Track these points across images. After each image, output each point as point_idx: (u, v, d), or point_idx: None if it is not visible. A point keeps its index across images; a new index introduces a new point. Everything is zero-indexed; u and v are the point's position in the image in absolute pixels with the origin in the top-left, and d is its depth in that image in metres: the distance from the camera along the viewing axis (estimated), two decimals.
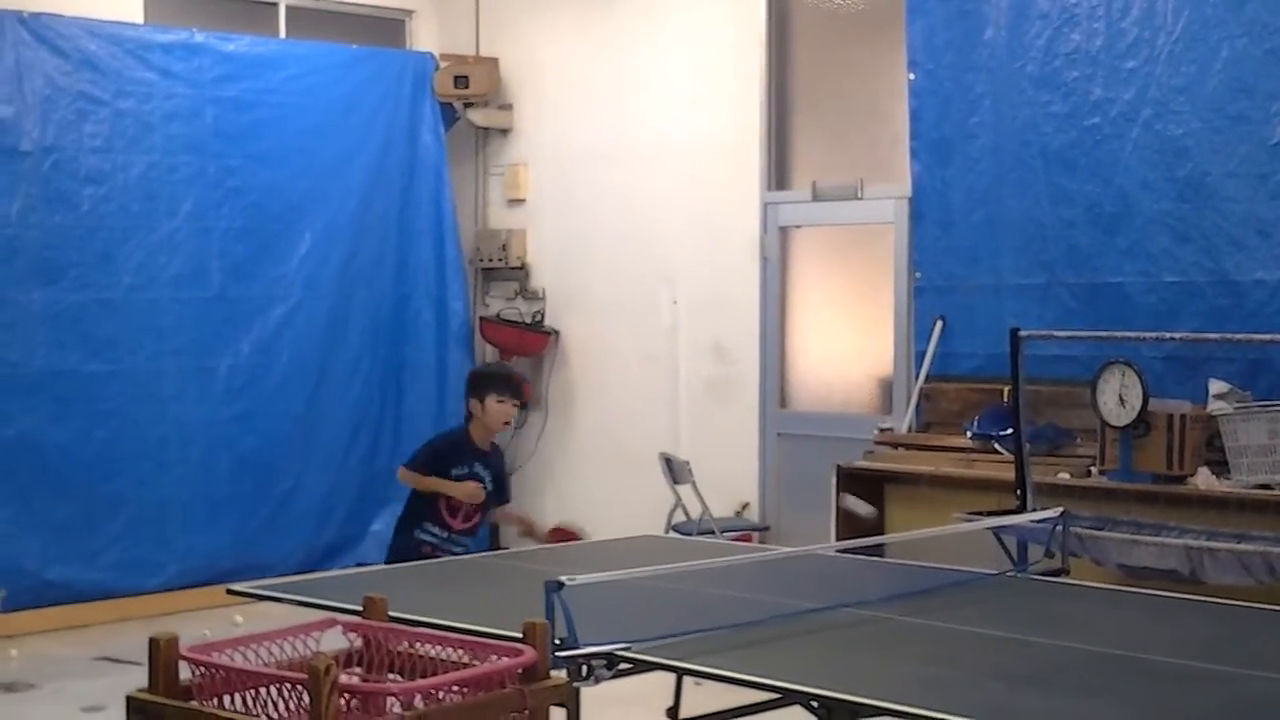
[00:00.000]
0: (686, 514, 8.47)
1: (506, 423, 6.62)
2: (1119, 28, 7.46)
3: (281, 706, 3.27)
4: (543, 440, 10.08)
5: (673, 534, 8.15)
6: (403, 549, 6.28)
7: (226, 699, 3.36)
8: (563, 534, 6.80)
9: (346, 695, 3.28)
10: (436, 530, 6.31)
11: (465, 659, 3.56)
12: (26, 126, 8.42)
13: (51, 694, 7.17)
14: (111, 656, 7.51)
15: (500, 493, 6.62)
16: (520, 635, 3.55)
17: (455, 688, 3.36)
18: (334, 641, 3.77)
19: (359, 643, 3.72)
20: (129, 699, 3.46)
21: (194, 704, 3.39)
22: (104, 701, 6.59)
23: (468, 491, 6.31)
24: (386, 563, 6.36)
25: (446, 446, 6.51)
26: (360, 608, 3.87)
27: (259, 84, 9.27)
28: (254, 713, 3.31)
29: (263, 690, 3.30)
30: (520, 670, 3.46)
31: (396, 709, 3.24)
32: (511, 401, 6.57)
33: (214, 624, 7.05)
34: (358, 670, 3.70)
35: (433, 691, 3.34)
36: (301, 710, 3.20)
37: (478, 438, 6.48)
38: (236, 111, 9.19)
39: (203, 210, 9.06)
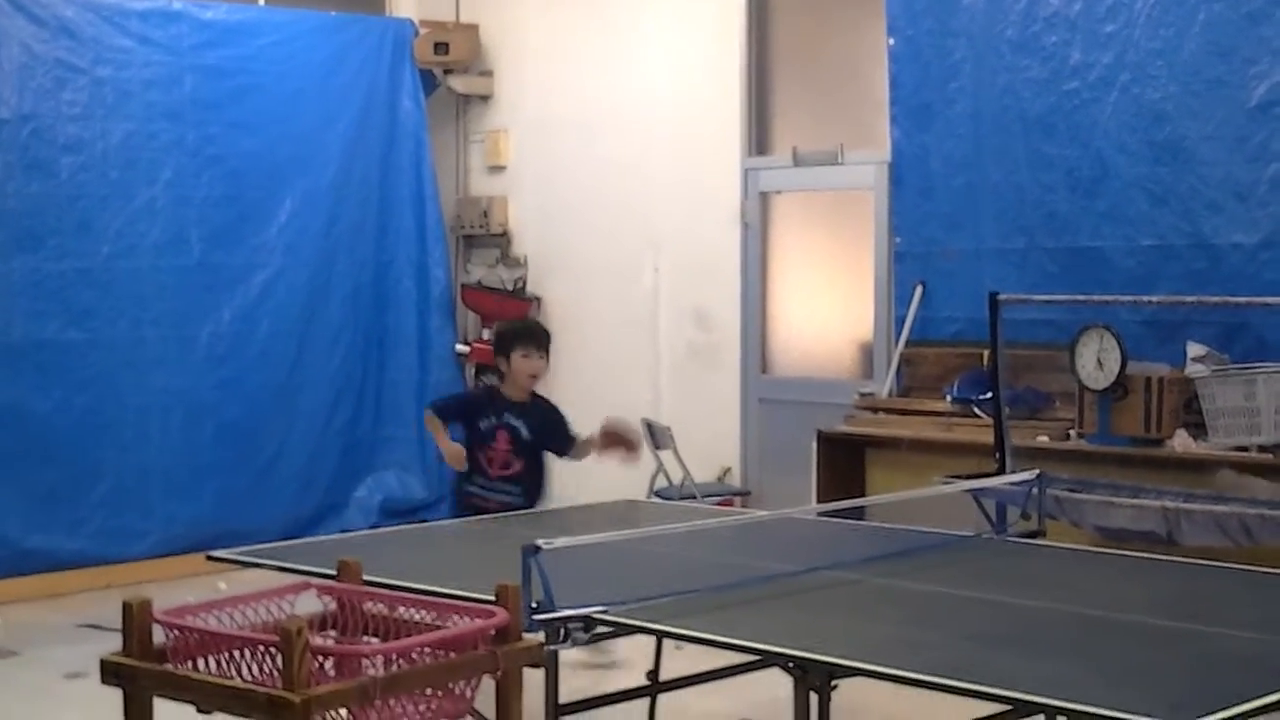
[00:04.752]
0: (668, 479, 8.48)
1: (534, 376, 6.43)
2: None
3: (255, 669, 3.28)
4: None
5: (654, 499, 8.16)
6: (459, 503, 6.35)
7: (200, 661, 3.37)
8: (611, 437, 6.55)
9: (320, 657, 3.29)
10: (481, 480, 6.31)
11: (438, 621, 3.57)
12: (4, 94, 8.38)
13: (34, 661, 7.17)
14: (94, 624, 7.50)
15: (553, 439, 6.45)
16: (494, 598, 3.56)
17: (428, 649, 3.37)
18: (309, 605, 3.78)
19: (333, 606, 3.73)
20: (103, 662, 3.47)
21: (168, 667, 3.40)
22: (86, 669, 6.54)
23: (451, 453, 6.26)
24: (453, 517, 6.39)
25: (477, 397, 6.53)
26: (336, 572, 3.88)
27: (238, 51, 9.23)
28: (227, 675, 3.32)
29: (236, 653, 3.31)
30: (493, 632, 3.47)
31: (370, 670, 3.26)
32: (537, 354, 6.43)
33: (197, 591, 7.04)
34: (333, 633, 3.71)
35: (405, 653, 3.35)
36: (274, 672, 3.21)
37: (510, 393, 6.40)
38: (215, 79, 9.14)
39: (182, 178, 9.02)
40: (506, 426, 6.33)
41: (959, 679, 3.54)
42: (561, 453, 6.48)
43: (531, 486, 6.40)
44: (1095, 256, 7.51)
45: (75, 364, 8.63)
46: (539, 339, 6.54)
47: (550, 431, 6.44)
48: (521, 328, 6.87)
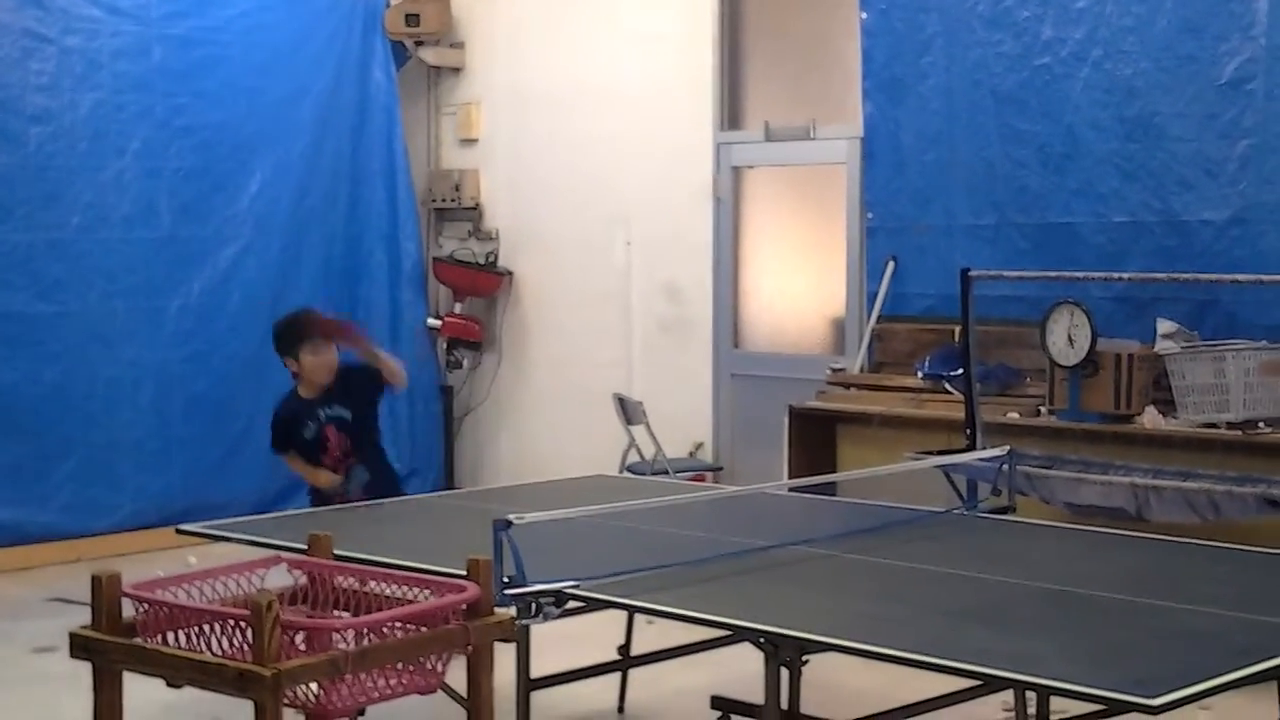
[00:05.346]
0: (640, 454, 8.49)
1: (329, 369, 6.07)
2: None
3: (225, 643, 3.28)
4: (496, 381, 10.07)
5: (627, 474, 8.16)
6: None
7: (170, 636, 3.36)
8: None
9: (291, 631, 3.28)
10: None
11: (409, 595, 3.56)
12: None
13: (2, 636, 7.14)
14: (63, 597, 7.47)
15: (370, 393, 6.21)
16: (465, 573, 3.56)
17: (398, 624, 3.37)
18: (280, 579, 3.78)
19: (304, 580, 3.73)
20: (72, 636, 3.46)
21: (138, 641, 3.39)
22: (56, 642, 6.55)
23: (323, 481, 6.07)
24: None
25: (287, 416, 6.16)
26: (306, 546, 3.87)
27: (207, 21, 9.16)
28: (197, 649, 3.31)
29: (206, 627, 3.30)
30: (464, 607, 3.47)
31: (341, 645, 3.25)
32: (324, 347, 6.08)
33: (167, 564, 7.03)
34: (303, 608, 3.71)
35: (376, 627, 3.35)
36: (245, 646, 3.21)
37: (308, 391, 6.14)
38: (184, 49, 9.08)
39: (151, 149, 8.96)
40: (330, 421, 6.11)
41: (929, 654, 3.56)
42: (380, 393, 6.25)
43: (373, 457, 6.24)
44: (1066, 232, 7.53)
45: (44, 336, 8.58)
46: (320, 329, 6.18)
47: (363, 391, 6.19)
48: (299, 325, 6.25)
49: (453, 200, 10.14)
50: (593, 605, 4.23)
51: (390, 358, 6.29)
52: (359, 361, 6.21)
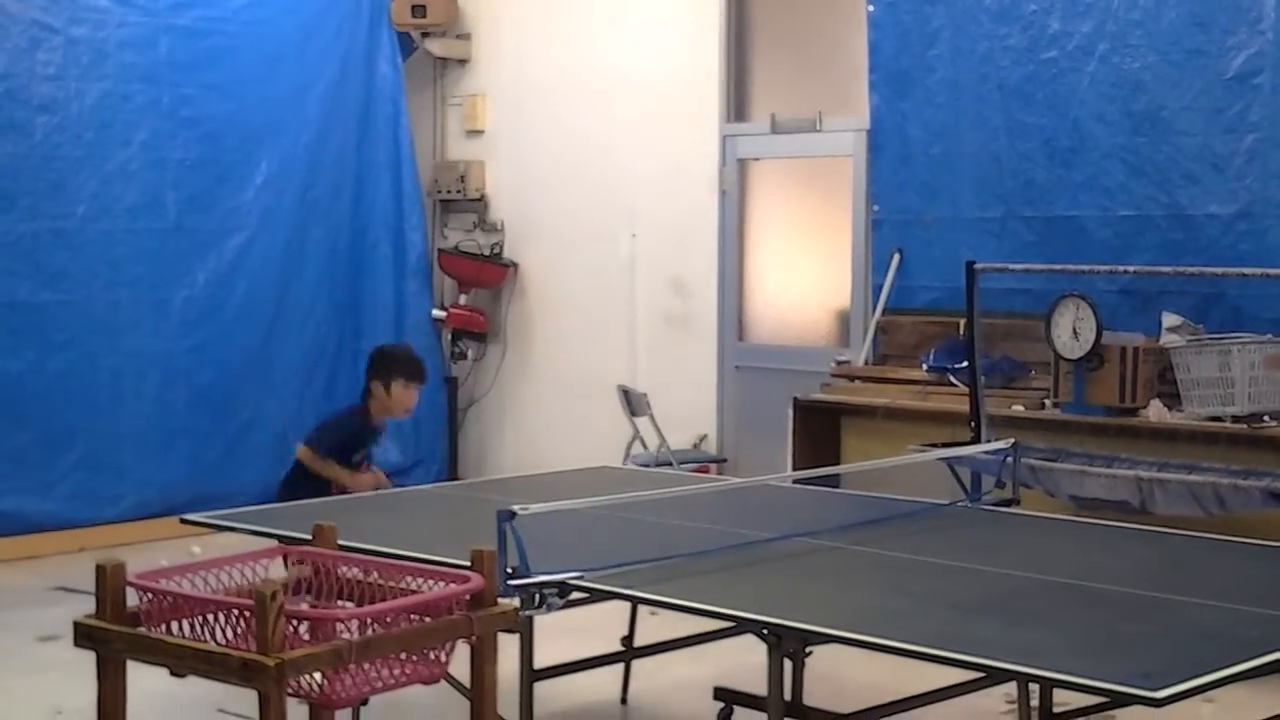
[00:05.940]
0: (644, 446, 8.49)
1: (408, 410, 6.39)
2: None
3: (229, 632, 3.27)
4: (501, 372, 10.07)
5: (630, 466, 8.16)
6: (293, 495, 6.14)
7: (174, 625, 3.36)
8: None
9: (295, 621, 3.29)
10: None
11: (413, 586, 3.56)
12: None
13: (6, 624, 7.15)
14: (67, 586, 7.48)
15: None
16: (469, 563, 3.56)
17: (402, 614, 3.37)
18: (283, 569, 3.78)
19: (308, 570, 3.73)
20: (76, 624, 3.46)
21: (142, 630, 3.39)
22: (60, 631, 6.53)
23: (367, 484, 6.14)
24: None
25: (352, 433, 6.32)
26: (311, 536, 3.87)
27: (213, 12, 9.15)
28: (201, 639, 3.31)
29: (210, 616, 3.30)
30: (468, 597, 3.47)
31: (344, 635, 3.25)
32: (417, 388, 6.36)
33: (171, 554, 7.04)
34: (307, 598, 3.71)
35: (380, 617, 3.35)
36: (248, 636, 3.21)
37: (377, 419, 6.32)
38: (191, 40, 9.07)
39: (157, 140, 8.96)
40: (370, 456, 6.35)
41: (932, 646, 3.56)
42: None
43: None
44: (1072, 226, 7.52)
45: (48, 326, 8.58)
46: (422, 371, 6.44)
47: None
48: (407, 355, 6.61)
49: (458, 192, 10.14)
50: (596, 596, 4.23)
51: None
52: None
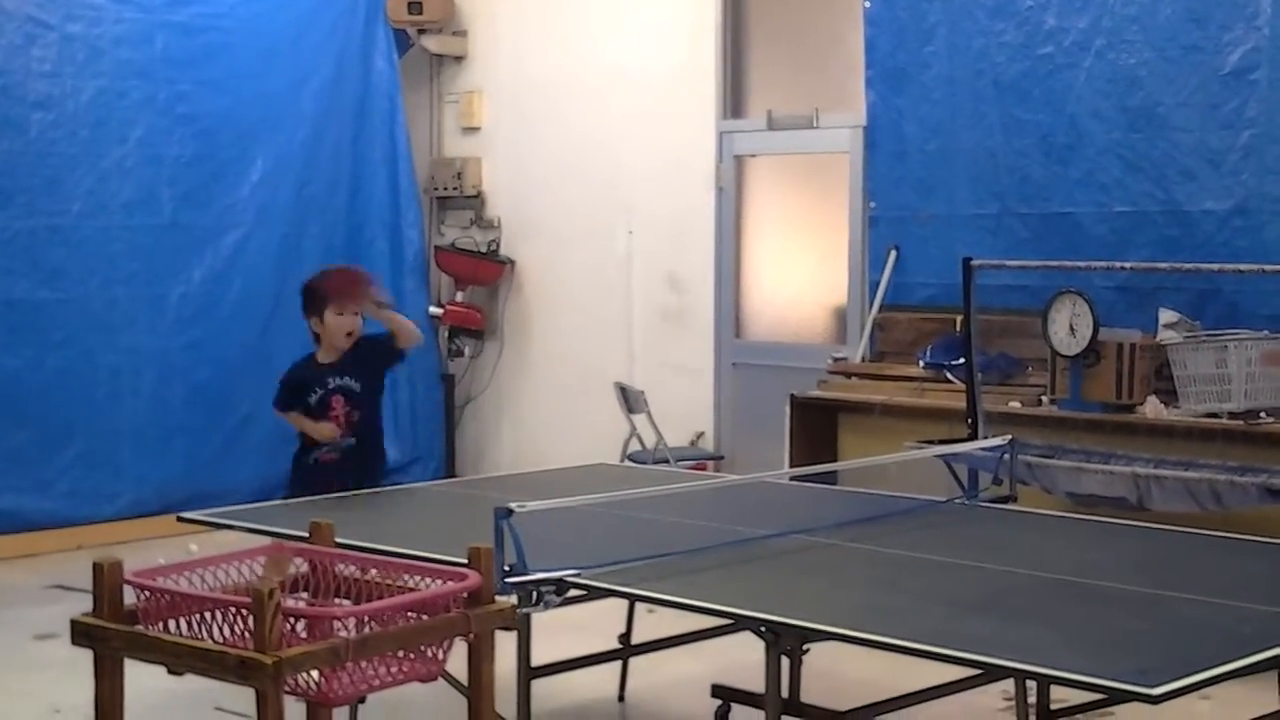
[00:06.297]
0: (641, 443, 8.48)
1: (350, 334, 6.06)
2: None
3: (226, 630, 3.27)
4: (498, 369, 10.07)
5: (628, 463, 8.17)
6: (297, 480, 6.12)
7: (171, 623, 3.36)
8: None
9: (292, 619, 3.29)
10: (323, 449, 6.16)
11: (411, 584, 3.56)
12: None
13: (4, 622, 7.14)
14: (64, 585, 7.48)
15: (382, 362, 6.24)
16: (466, 561, 3.56)
17: (400, 612, 3.37)
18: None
19: (305, 568, 3.73)
20: (73, 623, 3.46)
21: (139, 628, 3.39)
22: (57, 629, 6.54)
23: (325, 433, 6.03)
24: (290, 493, 6.07)
25: (297, 377, 6.17)
26: (308, 534, 3.87)
27: (209, 8, 9.14)
28: (198, 636, 3.31)
29: (207, 614, 3.30)
30: (465, 594, 3.47)
31: (341, 632, 3.25)
32: (350, 309, 6.05)
33: (168, 552, 7.04)
34: (305, 595, 3.70)
35: (377, 615, 3.35)
36: (246, 634, 3.21)
37: (325, 356, 6.13)
38: (187, 36, 9.06)
39: (153, 137, 8.96)
40: (337, 390, 6.09)
41: (930, 644, 3.56)
42: (394, 360, 6.28)
43: (368, 434, 6.20)
44: (1068, 222, 7.52)
45: (45, 323, 8.58)
46: (351, 291, 6.12)
47: (374, 361, 6.20)
48: (330, 283, 6.21)
49: (455, 188, 10.14)
50: (594, 594, 4.23)
51: (402, 318, 6.28)
52: (374, 333, 6.20)
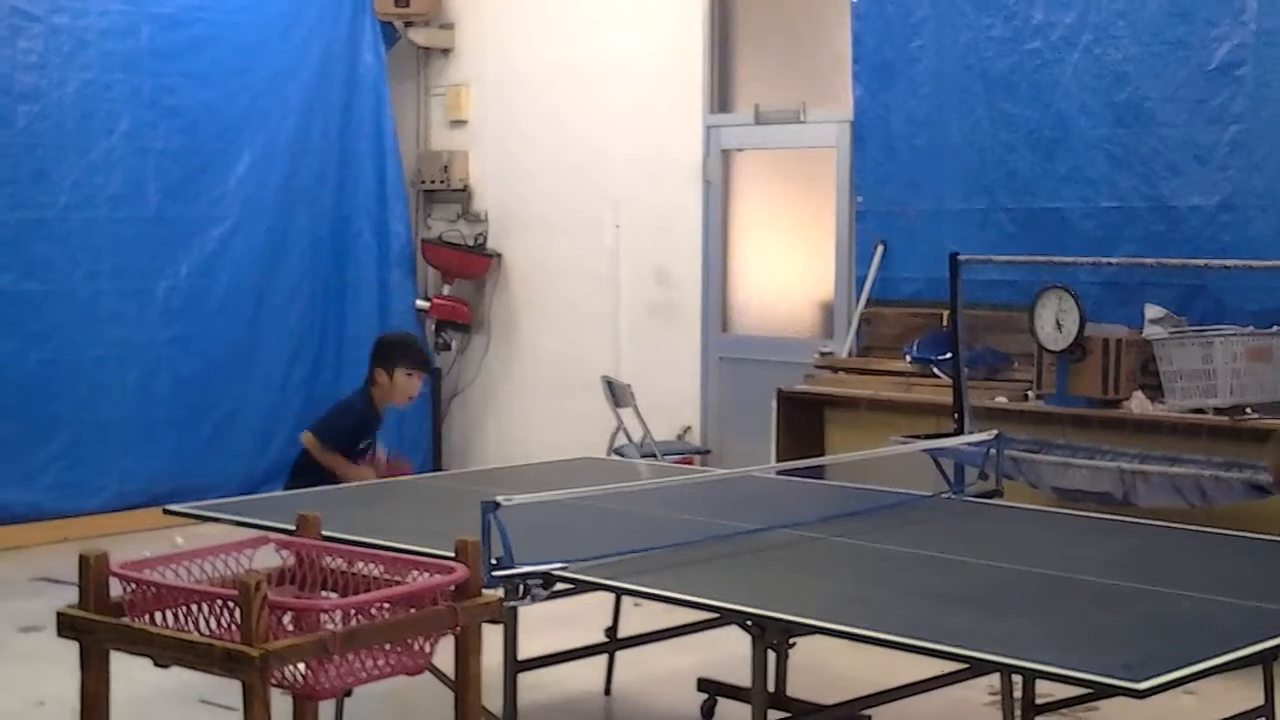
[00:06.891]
0: (628, 437, 8.48)
1: (412, 397, 6.45)
2: None
3: (213, 623, 3.27)
4: (485, 363, 10.06)
5: (614, 457, 8.17)
6: (302, 486, 6.15)
7: (158, 615, 3.36)
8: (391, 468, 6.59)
9: (279, 611, 3.28)
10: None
11: (398, 577, 3.56)
12: None
13: None
14: (49, 577, 7.47)
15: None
16: (453, 554, 3.56)
17: (386, 605, 3.37)
18: (267, 559, 3.77)
19: (291, 560, 3.72)
20: (59, 615, 3.45)
21: (125, 620, 3.39)
22: (42, 622, 6.54)
23: (360, 477, 6.15)
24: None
25: (359, 423, 6.35)
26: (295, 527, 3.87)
27: (195, 1, 9.12)
28: (185, 629, 3.31)
29: (194, 606, 3.30)
30: (452, 588, 3.47)
31: (328, 625, 3.25)
32: (419, 375, 6.43)
33: (154, 545, 7.02)
34: (292, 588, 3.70)
35: (364, 608, 3.35)
36: (232, 626, 3.21)
37: (379, 406, 6.36)
38: (172, 28, 9.04)
39: (139, 129, 8.93)
40: (375, 444, 6.36)
41: (916, 638, 3.56)
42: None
43: None
44: (1055, 218, 7.53)
45: (30, 316, 8.55)
46: (424, 360, 6.54)
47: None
48: (411, 345, 6.71)
49: (441, 182, 10.13)
50: (580, 587, 4.23)
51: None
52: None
